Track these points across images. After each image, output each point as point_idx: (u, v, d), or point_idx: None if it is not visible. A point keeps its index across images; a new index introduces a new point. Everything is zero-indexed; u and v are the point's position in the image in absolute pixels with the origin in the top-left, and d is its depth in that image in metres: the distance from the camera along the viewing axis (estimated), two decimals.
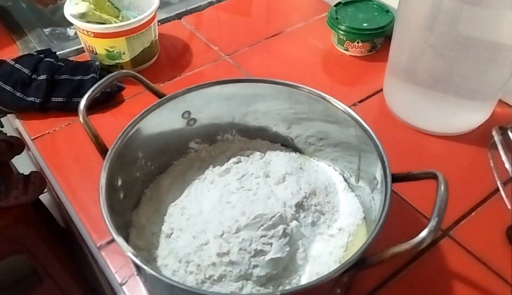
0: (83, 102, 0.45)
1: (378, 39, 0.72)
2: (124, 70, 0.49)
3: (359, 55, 0.74)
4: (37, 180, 1.17)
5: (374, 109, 0.66)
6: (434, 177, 0.38)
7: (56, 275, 1.27)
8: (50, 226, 1.31)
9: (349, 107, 0.47)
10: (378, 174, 0.44)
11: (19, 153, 1.30)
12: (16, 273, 1.55)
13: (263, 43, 0.78)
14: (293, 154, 0.56)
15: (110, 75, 0.47)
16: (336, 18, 0.72)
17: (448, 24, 0.51)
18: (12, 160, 1.28)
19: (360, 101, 0.67)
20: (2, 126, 1.24)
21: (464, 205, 0.53)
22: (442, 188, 0.36)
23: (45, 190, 1.27)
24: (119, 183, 0.45)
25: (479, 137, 0.61)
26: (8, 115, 0.70)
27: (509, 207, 0.42)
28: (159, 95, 0.50)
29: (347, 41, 0.72)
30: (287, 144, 0.57)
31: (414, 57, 0.58)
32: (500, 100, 0.63)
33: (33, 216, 1.21)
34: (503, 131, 0.39)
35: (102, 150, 0.45)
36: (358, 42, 0.71)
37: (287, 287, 0.42)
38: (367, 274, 0.47)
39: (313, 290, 0.37)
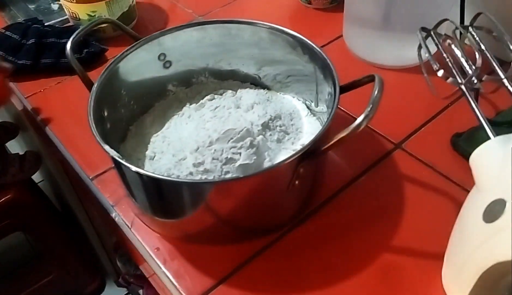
0: (69, 44, 0.51)
1: None
2: (105, 17, 0.55)
3: (321, 8, 0.80)
4: (32, 158, 1.23)
5: (336, 51, 0.72)
6: (372, 78, 0.45)
7: (56, 251, 1.34)
8: (50, 210, 1.37)
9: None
10: (330, 90, 0.50)
11: (13, 137, 1.36)
12: (18, 258, 1.61)
13: (233, 4, 0.85)
14: (262, 90, 0.62)
15: (92, 21, 0.54)
16: None
17: None
18: (8, 144, 1.34)
19: (322, 46, 0.73)
20: None
21: (414, 123, 0.60)
22: (377, 81, 0.42)
23: (42, 180, 1.32)
24: (105, 113, 0.52)
25: (428, 68, 0.67)
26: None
27: (434, 94, 0.48)
28: (137, 39, 0.56)
29: None
30: (256, 83, 0.64)
31: (362, 2, 0.65)
32: None
33: (32, 195, 1.27)
34: (427, 32, 0.45)
35: (88, 84, 0.51)
36: None
37: None
38: (328, 182, 0.54)
39: (270, 177, 0.43)
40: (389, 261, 0.47)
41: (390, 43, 0.66)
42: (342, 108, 0.62)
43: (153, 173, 0.42)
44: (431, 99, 0.62)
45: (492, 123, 0.57)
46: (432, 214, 0.51)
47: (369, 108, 0.41)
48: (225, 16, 0.81)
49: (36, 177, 1.27)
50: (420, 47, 0.45)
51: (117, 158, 0.42)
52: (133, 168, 0.42)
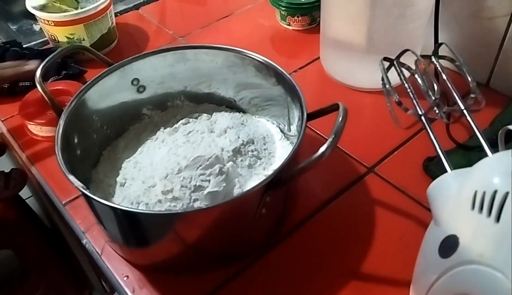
0: (38, 71, 0.51)
1: (316, 12, 0.79)
2: (75, 44, 0.56)
3: (300, 29, 0.81)
4: (18, 176, 1.23)
5: (313, 73, 0.73)
6: (337, 107, 0.45)
7: (43, 267, 1.32)
8: (37, 226, 1.36)
9: (290, 74, 0.53)
10: (300, 114, 0.50)
11: (0, 155, 1.35)
12: (5, 274, 1.60)
13: (214, 25, 0.85)
14: (237, 113, 0.62)
15: (63, 47, 0.54)
16: None
17: None
18: None
19: (300, 68, 0.74)
20: None
21: (387, 146, 0.60)
22: (341, 110, 0.42)
23: (30, 196, 1.32)
24: (75, 140, 0.52)
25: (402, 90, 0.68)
26: None
27: (397, 125, 0.49)
28: (109, 64, 0.56)
29: (288, 16, 0.79)
30: (232, 106, 0.64)
31: (337, 23, 0.66)
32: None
33: (18, 212, 1.27)
34: (390, 62, 0.45)
35: (58, 111, 0.51)
36: (298, 16, 0.79)
37: None
38: (300, 206, 0.54)
39: (235, 208, 0.43)
40: (358, 288, 0.47)
41: (366, 66, 0.66)
42: (316, 131, 0.62)
43: (115, 203, 0.42)
44: (405, 122, 0.62)
45: (464, 147, 0.58)
46: (403, 240, 0.51)
47: (331, 139, 0.41)
48: (205, 37, 0.82)
49: (24, 193, 1.26)
50: (382, 79, 0.45)
51: (81, 189, 0.42)
52: (97, 199, 0.42)
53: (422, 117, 0.40)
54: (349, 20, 0.64)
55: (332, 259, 0.50)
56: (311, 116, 0.48)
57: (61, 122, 0.49)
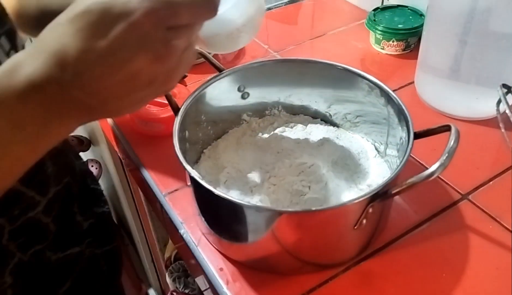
0: None
1: (412, 39, 0.80)
2: None
3: (394, 54, 0.82)
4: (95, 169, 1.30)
5: (406, 97, 0.73)
6: (448, 128, 0.46)
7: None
8: None
9: None
10: (403, 135, 0.52)
11: (86, 150, 1.45)
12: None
13: (307, 43, 0.88)
14: (331, 127, 0.64)
15: None
16: (374, 20, 0.82)
17: (473, 20, 0.59)
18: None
19: (393, 91, 0.74)
20: None
21: (482, 175, 0.60)
22: (453, 131, 0.43)
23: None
24: (187, 135, 0.55)
25: (505, 122, 0.67)
26: None
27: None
28: (220, 69, 0.60)
29: (383, 40, 0.81)
30: (326, 120, 0.66)
31: (440, 50, 0.67)
32: None
33: None
34: (507, 89, 0.46)
35: (174, 108, 0.55)
36: (393, 41, 0.80)
37: None
38: (392, 225, 0.55)
39: (340, 214, 0.45)
40: None
41: (463, 95, 0.66)
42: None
43: (230, 196, 0.45)
44: (501, 153, 0.62)
45: None
46: (498, 270, 0.50)
47: (444, 157, 0.42)
48: (298, 54, 0.85)
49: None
50: (499, 102, 0.46)
51: (198, 179, 0.45)
52: (215, 191, 0.45)
53: None
54: (452, 49, 0.64)
55: (423, 281, 0.50)
56: (418, 135, 0.49)
57: (179, 117, 0.53)
